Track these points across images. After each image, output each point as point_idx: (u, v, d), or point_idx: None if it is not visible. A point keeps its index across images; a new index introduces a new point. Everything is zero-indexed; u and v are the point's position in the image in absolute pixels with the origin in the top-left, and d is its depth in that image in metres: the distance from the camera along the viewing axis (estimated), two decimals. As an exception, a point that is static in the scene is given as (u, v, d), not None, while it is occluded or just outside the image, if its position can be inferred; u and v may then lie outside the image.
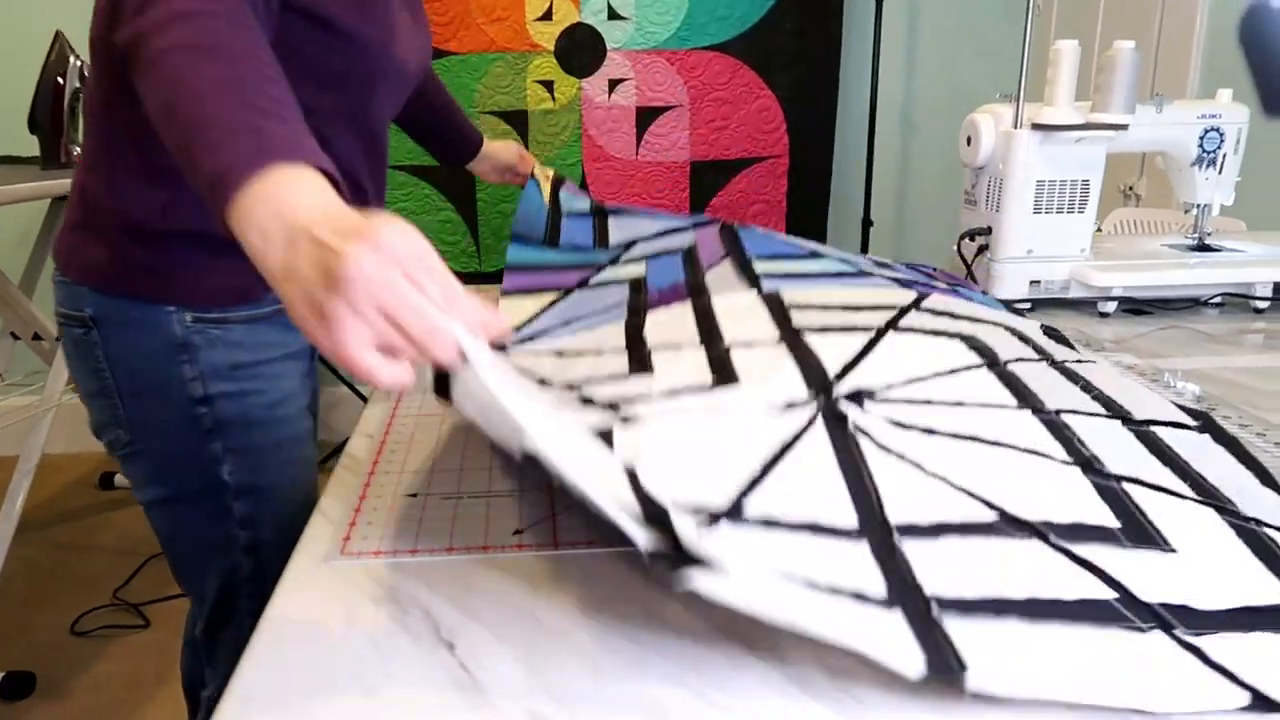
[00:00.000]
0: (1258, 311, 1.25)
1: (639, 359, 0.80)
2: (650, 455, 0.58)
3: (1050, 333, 0.99)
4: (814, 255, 1.08)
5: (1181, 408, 0.78)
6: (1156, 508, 0.58)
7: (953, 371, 0.75)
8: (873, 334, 0.80)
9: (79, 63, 1.81)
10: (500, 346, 0.73)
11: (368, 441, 0.80)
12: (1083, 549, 0.53)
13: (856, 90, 2.49)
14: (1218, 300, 1.27)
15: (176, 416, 0.84)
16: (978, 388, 0.72)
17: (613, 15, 2.28)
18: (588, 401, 0.70)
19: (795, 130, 2.41)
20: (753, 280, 0.97)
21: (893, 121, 2.58)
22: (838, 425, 0.64)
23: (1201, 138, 1.29)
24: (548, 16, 2.26)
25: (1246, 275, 1.25)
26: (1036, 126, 1.23)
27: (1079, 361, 0.86)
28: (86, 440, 1.00)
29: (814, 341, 0.78)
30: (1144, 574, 0.52)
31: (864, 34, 2.45)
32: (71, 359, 0.86)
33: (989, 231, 1.30)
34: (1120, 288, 1.25)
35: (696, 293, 0.96)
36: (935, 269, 1.26)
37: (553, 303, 1.02)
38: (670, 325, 0.87)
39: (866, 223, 2.51)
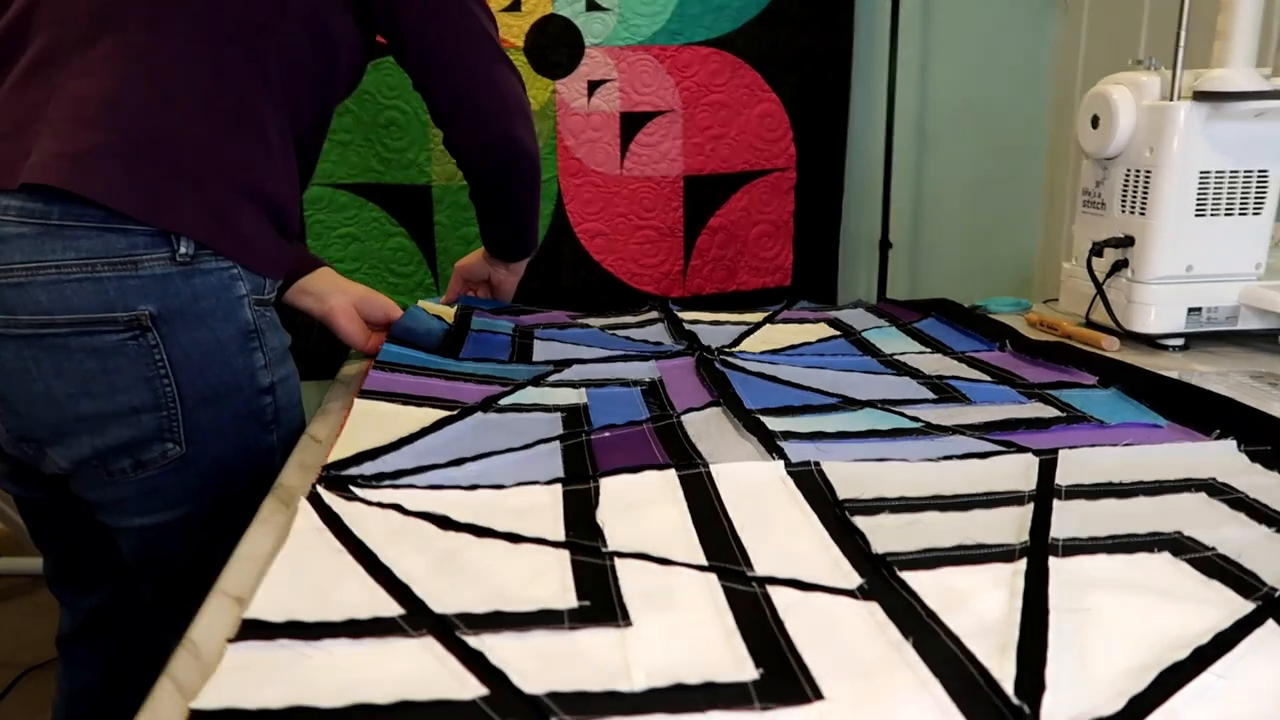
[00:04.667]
0: None
1: (590, 560, 0.50)
2: None
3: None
4: (847, 402, 0.75)
5: None
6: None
7: None
8: (1019, 567, 0.49)
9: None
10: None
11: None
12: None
13: (865, 93, 2.17)
14: None
15: (243, 413, 0.80)
16: None
17: (591, 6, 1.94)
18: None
19: (803, 139, 2.09)
20: (767, 441, 0.65)
21: (908, 131, 2.27)
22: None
23: None
24: (515, 7, 1.92)
25: None
26: (1201, 96, 0.90)
27: None
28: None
29: (914, 581, 0.48)
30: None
31: (876, 30, 2.14)
32: (94, 374, 0.72)
33: (1130, 243, 0.96)
34: (1317, 315, 0.92)
35: (672, 446, 0.65)
36: (1004, 343, 0.93)
37: (440, 423, 0.69)
38: (641, 504, 0.56)
39: (885, 244, 2.18)
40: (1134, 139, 0.95)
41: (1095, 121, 0.98)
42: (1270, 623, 0.43)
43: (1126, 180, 0.97)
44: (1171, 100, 0.92)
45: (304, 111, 0.85)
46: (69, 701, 0.97)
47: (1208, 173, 0.92)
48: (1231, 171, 0.93)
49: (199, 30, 0.77)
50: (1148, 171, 0.94)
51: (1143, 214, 0.95)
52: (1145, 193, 0.94)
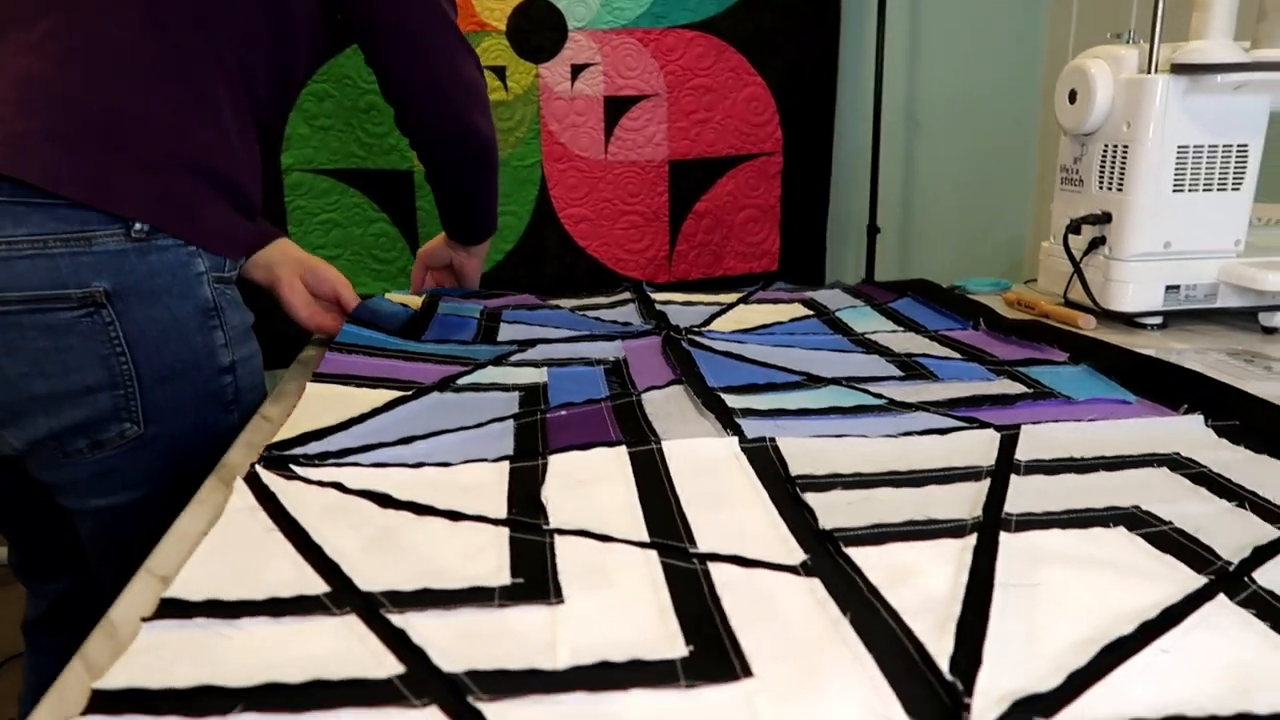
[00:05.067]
0: None
1: (529, 537, 0.49)
2: None
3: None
4: (811, 379, 0.73)
5: None
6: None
7: None
8: (969, 542, 0.47)
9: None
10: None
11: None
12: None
13: (853, 76, 2.15)
14: None
15: (202, 392, 0.78)
16: None
17: (574, -12, 1.92)
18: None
19: (789, 123, 2.07)
20: (725, 418, 0.64)
21: (897, 115, 2.25)
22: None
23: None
24: (497, -10, 1.90)
25: None
26: (1179, 69, 0.88)
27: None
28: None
29: (859, 556, 0.46)
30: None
31: (863, 12, 2.12)
32: (47, 352, 0.70)
33: (1108, 220, 0.95)
34: (1297, 292, 0.90)
35: (629, 424, 0.64)
36: (978, 322, 0.91)
37: (393, 403, 0.68)
38: (590, 481, 0.55)
39: (872, 230, 2.16)
40: (1111, 113, 0.94)
41: (1073, 96, 0.97)
42: (1221, 597, 0.41)
43: (1104, 156, 0.95)
44: (1150, 73, 0.90)
45: (261, 91, 0.83)
46: (35, 691, 0.96)
47: (1186, 147, 0.91)
48: (1210, 146, 0.91)
49: (149, 7, 0.75)
50: (1125, 147, 0.92)
51: (1120, 190, 0.93)
52: (1123, 169, 0.93)
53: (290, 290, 0.93)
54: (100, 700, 0.35)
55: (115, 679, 0.36)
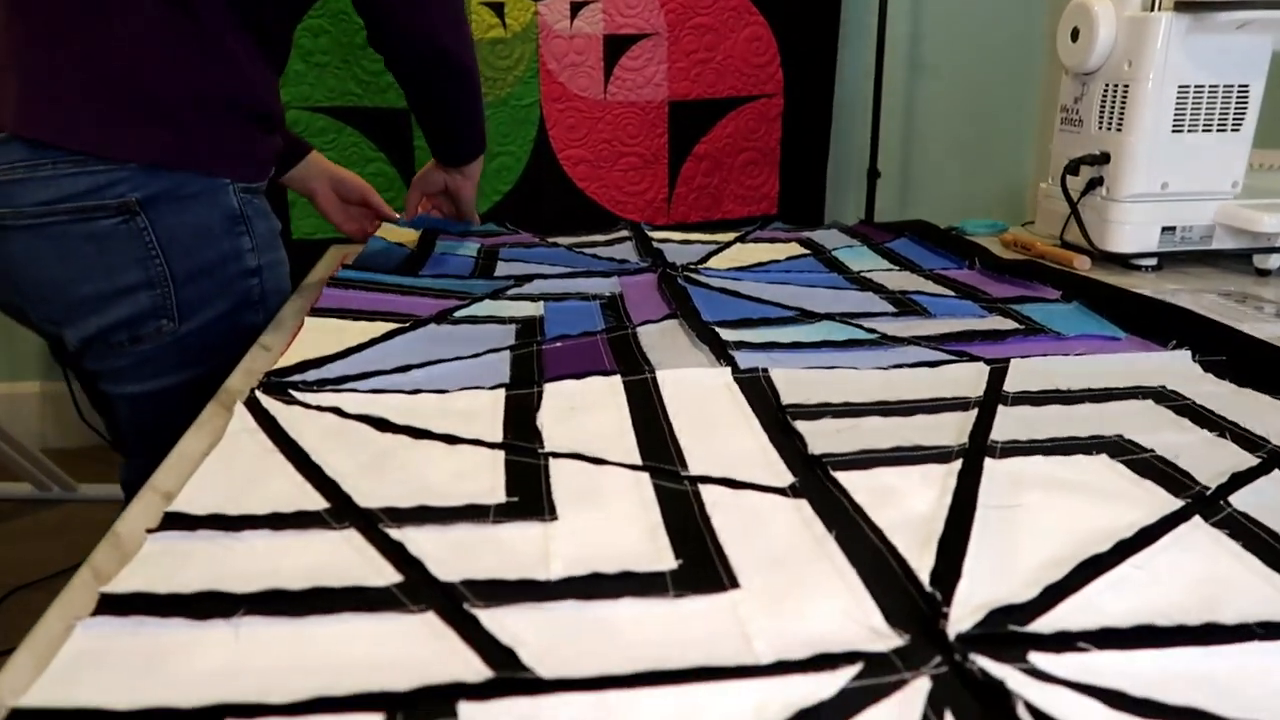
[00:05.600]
0: None
1: (524, 459, 0.50)
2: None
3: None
4: (805, 315, 0.73)
5: None
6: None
7: None
8: (954, 467, 0.48)
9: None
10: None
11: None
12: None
13: (856, 17, 2.12)
14: None
15: (230, 292, 0.85)
16: None
17: (574, -77, 1.88)
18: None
19: (791, 64, 2.04)
20: (719, 350, 0.64)
21: (900, 56, 2.22)
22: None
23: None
24: (496, -76, 1.86)
25: None
26: (1182, 6, 0.87)
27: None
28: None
29: (846, 480, 0.47)
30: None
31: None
32: (92, 258, 0.78)
33: (1106, 160, 0.94)
34: (1292, 234, 0.91)
35: (624, 356, 0.64)
36: (973, 261, 0.91)
37: (390, 334, 0.68)
38: (584, 408, 0.56)
39: (873, 173, 2.15)
40: (1113, 52, 0.93)
41: (1075, 34, 0.96)
42: (1196, 518, 0.42)
43: (1105, 95, 0.95)
44: (1153, 11, 0.89)
45: (266, 14, 0.83)
46: None
47: (1187, 87, 0.90)
48: (1211, 86, 0.91)
49: None
50: (1126, 86, 0.92)
51: (1119, 130, 0.93)
52: (1123, 108, 0.92)
53: (325, 200, 1.07)
54: (108, 603, 0.36)
55: (123, 584, 0.37)
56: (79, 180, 0.76)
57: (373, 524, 0.43)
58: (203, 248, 0.82)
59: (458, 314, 0.75)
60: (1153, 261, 0.96)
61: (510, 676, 0.32)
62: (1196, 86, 0.90)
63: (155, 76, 0.78)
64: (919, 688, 0.31)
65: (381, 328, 0.71)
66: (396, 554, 0.40)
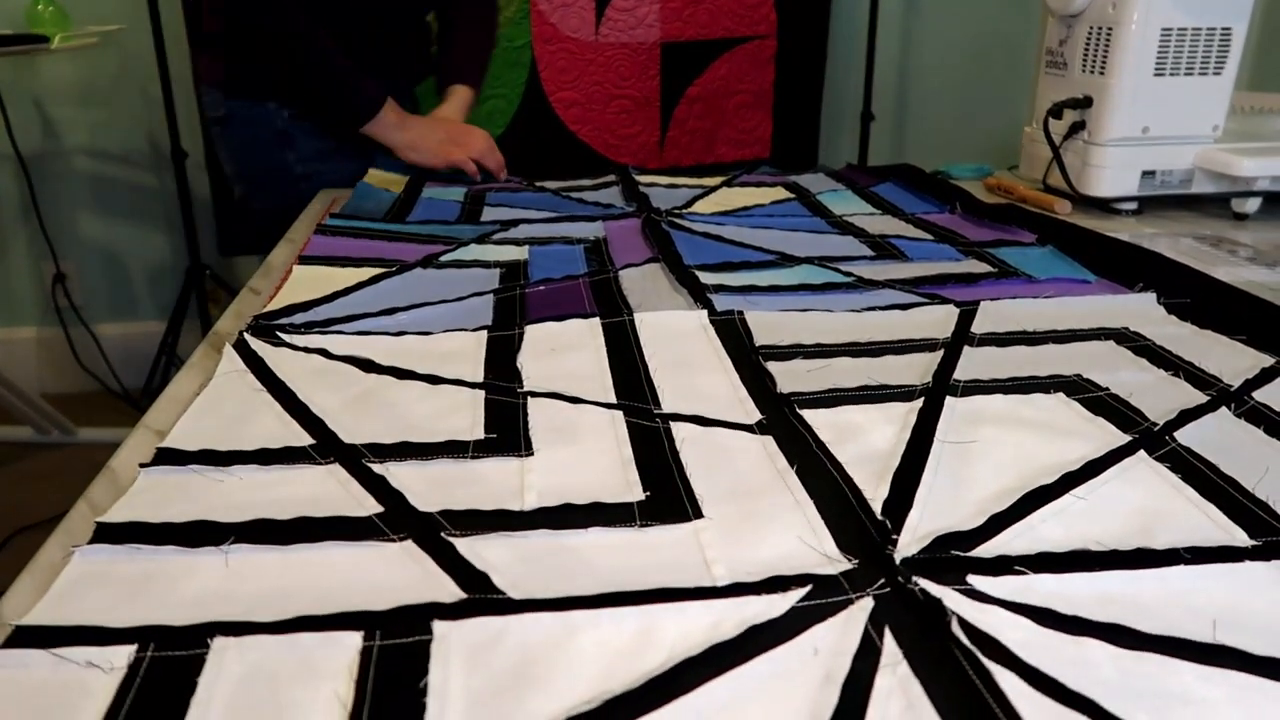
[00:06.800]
0: None
1: (503, 398, 0.52)
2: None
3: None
4: (784, 258, 0.74)
5: None
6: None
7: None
8: (916, 405, 0.50)
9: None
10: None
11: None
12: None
13: (854, -43, 2.09)
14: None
15: (283, 186, 1.16)
16: None
17: None
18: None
19: (784, 4, 2.02)
20: (697, 293, 0.65)
21: (895, -3, 2.20)
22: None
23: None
24: None
25: None
26: (1168, -51, 0.87)
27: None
28: None
29: (812, 417, 0.49)
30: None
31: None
32: (213, 147, 1.47)
33: (1088, 104, 0.95)
34: (1269, 178, 0.92)
35: (605, 299, 0.66)
36: (954, 206, 0.92)
37: (375, 279, 0.70)
38: (563, 349, 0.58)
39: (866, 116, 2.14)
40: (1098, -6, 0.93)
41: (1061, -24, 0.96)
42: (1141, 453, 0.45)
43: (1089, 38, 0.95)
44: (1137, -48, 0.89)
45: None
46: None
47: (1169, 30, 0.90)
48: (1194, 29, 0.91)
49: None
50: (1109, 29, 0.92)
51: (1102, 73, 0.93)
52: (1106, 51, 0.93)
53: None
54: (104, 532, 0.38)
55: (117, 514, 0.40)
56: (213, 98, 1.19)
57: (356, 459, 0.45)
58: (258, 155, 1.18)
59: (443, 258, 0.76)
60: (1133, 205, 0.97)
61: (482, 598, 0.34)
62: (1180, 29, 0.90)
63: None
64: (863, 607, 0.34)
65: (368, 273, 0.72)
66: (378, 487, 0.42)
